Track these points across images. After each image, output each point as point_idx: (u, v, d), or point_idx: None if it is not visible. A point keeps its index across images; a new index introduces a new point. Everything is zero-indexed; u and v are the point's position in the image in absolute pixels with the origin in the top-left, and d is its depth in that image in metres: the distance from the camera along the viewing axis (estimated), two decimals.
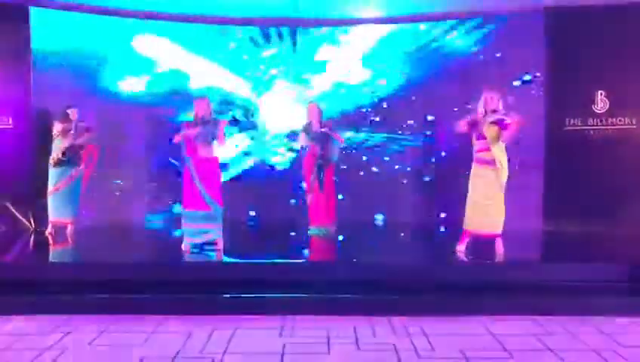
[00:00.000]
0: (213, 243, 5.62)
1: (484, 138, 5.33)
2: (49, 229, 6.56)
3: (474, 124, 5.38)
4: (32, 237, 6.76)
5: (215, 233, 5.64)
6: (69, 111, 6.44)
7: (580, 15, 7.01)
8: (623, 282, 4.83)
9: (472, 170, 5.48)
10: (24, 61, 7.19)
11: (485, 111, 5.34)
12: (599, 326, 4.18)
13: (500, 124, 5.29)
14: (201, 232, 5.60)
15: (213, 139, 5.58)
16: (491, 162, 5.32)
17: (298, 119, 7.16)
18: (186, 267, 5.25)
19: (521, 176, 7.31)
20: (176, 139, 5.56)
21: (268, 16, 7.80)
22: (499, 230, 5.42)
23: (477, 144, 5.41)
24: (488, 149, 5.32)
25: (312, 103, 6.72)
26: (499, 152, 5.32)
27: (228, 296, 4.61)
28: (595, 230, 6.64)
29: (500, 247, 5.40)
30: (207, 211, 5.55)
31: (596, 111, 7.13)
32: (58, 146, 6.38)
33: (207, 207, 5.54)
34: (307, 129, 6.55)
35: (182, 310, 4.47)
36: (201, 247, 5.59)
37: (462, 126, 5.47)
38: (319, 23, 7.99)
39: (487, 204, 5.37)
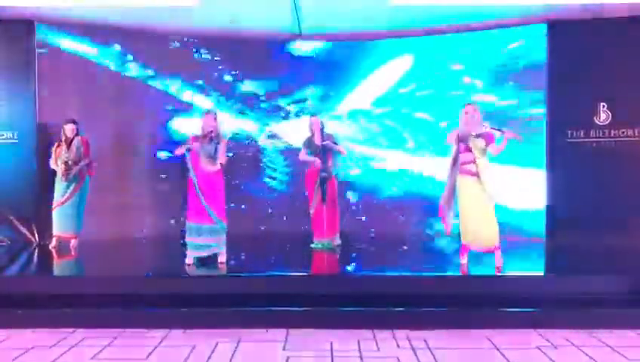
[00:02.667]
0: (216, 256, 5.63)
1: (470, 151, 5.35)
2: (53, 243, 6.58)
3: (460, 138, 5.39)
4: (36, 250, 6.78)
5: (218, 247, 5.64)
6: (65, 126, 6.50)
7: (582, 28, 7.03)
8: (628, 294, 4.82)
9: (458, 182, 5.47)
10: (28, 76, 7.25)
11: (468, 125, 5.35)
12: (605, 339, 4.16)
13: (485, 137, 5.32)
14: (204, 246, 5.60)
15: (215, 154, 5.60)
16: (476, 174, 5.34)
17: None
18: (189, 280, 5.25)
19: (522, 187, 7.41)
20: (178, 151, 5.61)
21: None
22: (495, 242, 5.39)
23: (463, 156, 5.41)
24: (474, 161, 5.35)
25: (313, 117, 6.75)
26: (484, 165, 5.33)
27: (231, 309, 4.61)
28: (598, 242, 6.62)
29: (499, 259, 5.38)
30: (211, 225, 5.56)
31: (598, 123, 7.14)
32: (60, 161, 6.42)
33: (211, 220, 5.55)
34: (309, 143, 6.56)
35: (186, 323, 4.48)
36: (204, 261, 5.59)
37: (450, 139, 5.45)
38: None
39: (477, 216, 5.36)
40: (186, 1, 6.61)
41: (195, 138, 5.61)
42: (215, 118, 5.69)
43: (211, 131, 5.58)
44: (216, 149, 5.57)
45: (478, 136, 5.30)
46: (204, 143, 5.55)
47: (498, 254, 5.40)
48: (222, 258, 5.65)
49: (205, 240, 5.57)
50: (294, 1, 6.57)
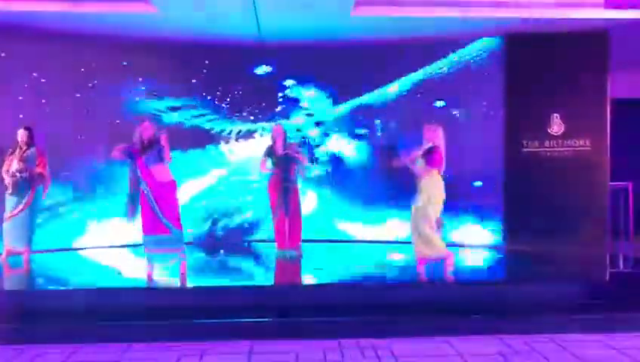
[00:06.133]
0: (176, 267, 5.53)
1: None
2: (3, 257, 6.30)
3: (414, 156, 5.53)
4: None
5: (178, 256, 5.55)
6: (18, 132, 6.27)
7: (536, 41, 7.27)
8: (584, 299, 4.96)
9: None
10: None
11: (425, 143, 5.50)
12: (564, 344, 4.26)
13: (425, 156, 5.44)
14: (163, 257, 5.50)
15: (161, 159, 5.51)
16: (421, 192, 5.46)
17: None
18: (149, 292, 5.13)
19: (481, 196, 7.58)
20: (115, 153, 5.52)
21: None
22: (440, 253, 5.51)
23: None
24: (420, 179, 5.48)
25: (276, 125, 6.74)
26: (425, 184, 5.44)
27: (194, 321, 4.51)
28: (552, 249, 6.81)
29: (448, 268, 5.52)
30: (167, 235, 5.46)
31: (552, 133, 7.36)
32: (10, 172, 6.18)
33: (166, 230, 5.45)
34: (271, 152, 6.53)
35: (147, 337, 4.34)
36: (164, 271, 5.49)
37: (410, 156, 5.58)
38: None
39: (416, 230, 5.50)
40: (146, 8, 6.50)
41: (137, 150, 5.50)
42: (151, 125, 5.62)
43: (150, 139, 5.50)
44: (159, 150, 5.49)
45: (421, 155, 5.45)
46: (147, 151, 5.46)
47: (447, 263, 5.53)
48: (182, 268, 5.56)
49: (162, 251, 5.48)
50: (254, 10, 6.55)
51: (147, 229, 5.47)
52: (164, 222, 5.44)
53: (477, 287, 5.27)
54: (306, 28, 7.19)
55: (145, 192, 5.45)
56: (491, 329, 4.52)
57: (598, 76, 7.24)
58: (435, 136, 5.48)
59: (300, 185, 6.72)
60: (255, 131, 8.30)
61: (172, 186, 5.58)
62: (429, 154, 5.42)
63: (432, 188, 5.43)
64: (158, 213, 5.42)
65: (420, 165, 5.45)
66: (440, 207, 5.48)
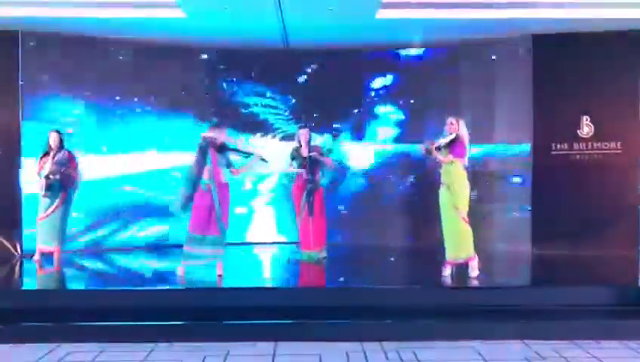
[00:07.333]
0: (214, 267, 5.61)
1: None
2: (36, 256, 6.46)
3: (437, 147, 5.49)
4: (18, 264, 6.67)
5: (217, 258, 5.62)
6: (49, 135, 6.42)
7: (566, 41, 7.15)
8: (614, 305, 4.85)
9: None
10: (13, 87, 7.14)
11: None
12: (592, 351, 4.17)
13: (449, 145, 5.42)
14: (203, 256, 5.58)
15: (229, 165, 5.65)
16: (444, 183, 5.46)
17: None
18: (175, 293, 5.19)
19: (510, 199, 7.49)
20: (206, 135, 5.64)
21: None
22: (468, 253, 5.44)
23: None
24: (441, 167, 5.49)
25: (302, 128, 6.78)
26: (448, 174, 5.43)
27: (219, 322, 4.55)
28: (582, 253, 6.68)
29: (473, 271, 5.43)
30: (216, 236, 5.53)
31: (582, 136, 7.23)
32: (42, 174, 6.33)
33: (218, 231, 5.52)
34: (296, 154, 6.57)
35: (172, 337, 4.40)
36: (201, 271, 5.57)
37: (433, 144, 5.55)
38: None
39: (445, 228, 5.47)
40: (173, 12, 6.61)
41: (215, 147, 5.60)
42: (227, 132, 5.83)
43: (223, 143, 5.65)
44: (229, 159, 5.64)
45: (445, 144, 5.41)
46: (222, 153, 5.61)
47: (472, 265, 5.45)
48: (219, 270, 5.64)
49: (204, 251, 5.55)
50: (280, 14, 6.59)
51: (199, 228, 5.49)
52: (219, 223, 5.51)
53: (504, 291, 5.20)
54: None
55: (210, 190, 5.49)
56: (518, 334, 4.46)
57: (630, 77, 7.08)
58: (458, 129, 5.47)
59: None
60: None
61: (228, 188, 5.69)
62: (453, 143, 5.41)
63: (450, 176, 5.43)
64: (217, 213, 5.49)
65: (443, 154, 5.43)
66: (464, 197, 5.43)
